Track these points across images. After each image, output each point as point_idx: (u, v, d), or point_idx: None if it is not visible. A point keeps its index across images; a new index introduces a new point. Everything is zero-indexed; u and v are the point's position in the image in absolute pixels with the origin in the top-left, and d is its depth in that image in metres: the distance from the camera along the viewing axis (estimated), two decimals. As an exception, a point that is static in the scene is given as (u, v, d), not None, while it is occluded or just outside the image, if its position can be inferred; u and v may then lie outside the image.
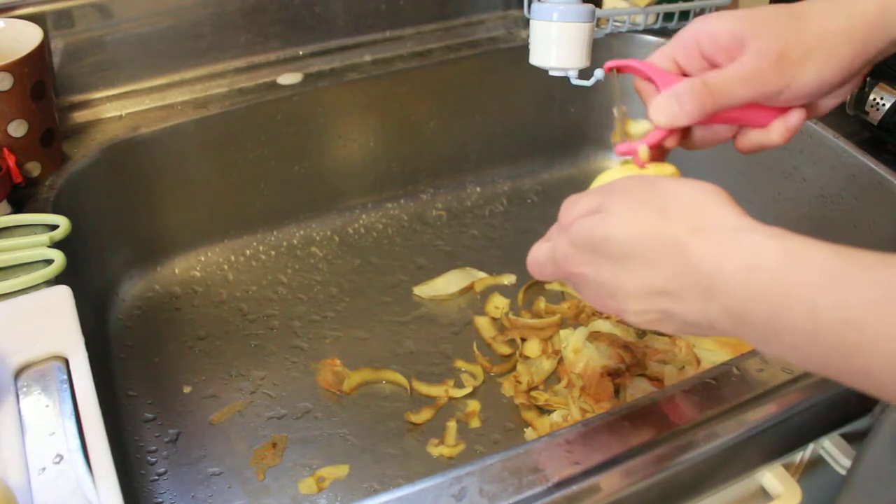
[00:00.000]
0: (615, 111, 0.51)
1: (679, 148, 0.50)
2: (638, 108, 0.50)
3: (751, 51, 0.44)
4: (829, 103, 0.48)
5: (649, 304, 0.39)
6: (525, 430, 0.69)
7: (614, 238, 0.40)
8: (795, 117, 0.47)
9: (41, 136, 0.70)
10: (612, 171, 0.48)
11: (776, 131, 0.47)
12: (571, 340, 0.72)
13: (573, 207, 0.44)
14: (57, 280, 0.59)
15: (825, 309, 0.33)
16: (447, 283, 0.84)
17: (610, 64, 0.51)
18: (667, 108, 0.45)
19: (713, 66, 0.46)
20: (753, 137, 0.48)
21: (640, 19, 0.92)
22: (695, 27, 0.47)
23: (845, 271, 0.33)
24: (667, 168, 0.48)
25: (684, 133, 0.50)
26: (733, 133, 0.49)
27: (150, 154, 0.80)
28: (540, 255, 0.46)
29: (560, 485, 0.46)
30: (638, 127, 0.50)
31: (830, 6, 0.44)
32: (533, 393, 0.71)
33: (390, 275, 0.86)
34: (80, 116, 0.80)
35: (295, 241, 0.90)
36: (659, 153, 0.49)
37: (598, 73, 0.66)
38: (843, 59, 0.44)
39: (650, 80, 0.48)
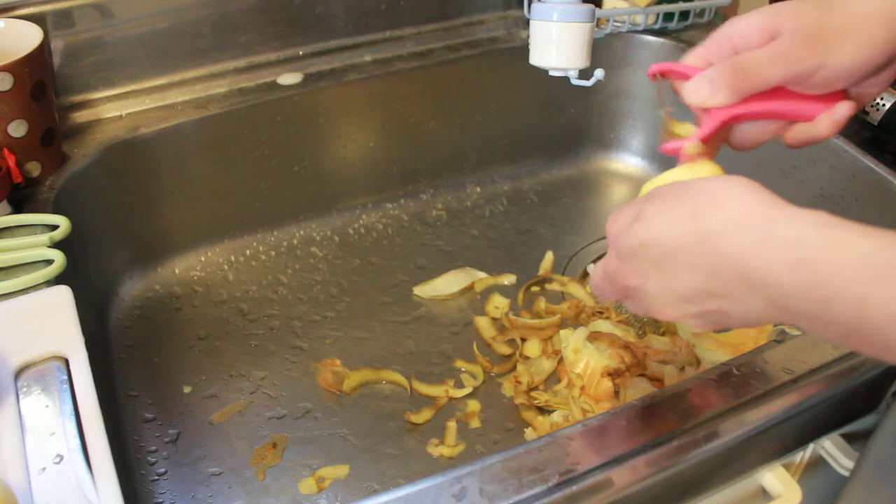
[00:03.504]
0: (661, 113, 0.51)
1: (725, 147, 0.51)
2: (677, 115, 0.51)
3: (783, 35, 0.44)
4: (869, 91, 0.48)
5: (703, 305, 0.40)
6: (525, 430, 0.69)
7: (651, 243, 0.40)
8: (842, 109, 0.46)
9: (41, 136, 0.70)
10: (658, 178, 0.49)
11: (823, 124, 0.47)
12: (571, 340, 0.72)
13: (616, 221, 0.44)
14: (57, 280, 0.59)
15: (875, 303, 0.33)
16: (447, 283, 0.84)
17: (654, 69, 0.51)
18: (698, 88, 0.46)
19: None
20: (800, 131, 0.48)
21: (640, 19, 0.92)
22: (727, 28, 0.47)
23: (893, 261, 0.33)
24: (714, 168, 0.48)
25: (728, 130, 0.50)
26: (780, 130, 0.49)
27: (150, 154, 0.80)
28: (597, 277, 0.46)
29: (560, 485, 0.46)
30: (683, 129, 0.50)
31: None
32: (533, 393, 0.71)
33: (390, 275, 0.86)
34: (80, 116, 0.80)
35: (295, 241, 0.90)
36: (707, 151, 0.49)
37: (598, 73, 0.66)
38: (878, 42, 0.43)
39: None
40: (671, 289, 0.41)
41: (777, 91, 0.46)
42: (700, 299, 0.40)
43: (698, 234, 0.38)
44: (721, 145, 0.51)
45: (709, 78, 0.45)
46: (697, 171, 0.48)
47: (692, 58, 0.49)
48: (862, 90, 0.48)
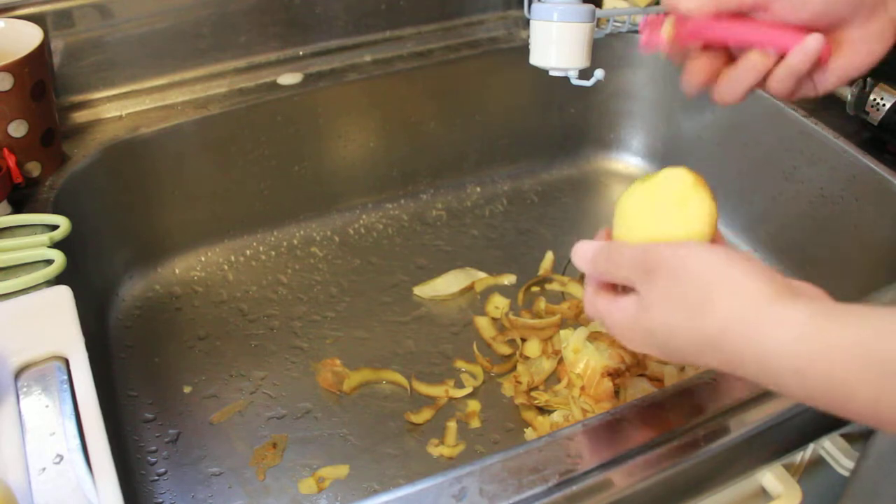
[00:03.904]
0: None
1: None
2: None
3: None
4: (863, 47, 0.47)
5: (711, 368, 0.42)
6: (525, 430, 0.69)
7: (657, 328, 0.42)
8: (812, 41, 0.46)
9: (41, 136, 0.70)
10: (633, 192, 0.48)
11: (795, 56, 0.47)
12: (571, 340, 0.72)
13: (617, 270, 0.45)
14: (57, 280, 0.59)
15: (889, 400, 0.34)
16: (447, 283, 0.84)
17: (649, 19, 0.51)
18: None
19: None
20: (779, 72, 0.48)
21: (640, 20, 0.92)
22: None
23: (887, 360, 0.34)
24: (683, 175, 0.48)
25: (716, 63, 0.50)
26: (761, 71, 0.48)
27: (150, 154, 0.80)
28: (603, 321, 0.48)
29: (560, 485, 0.46)
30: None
31: None
32: (533, 393, 0.71)
33: (390, 275, 0.86)
34: (80, 116, 0.80)
35: (295, 241, 0.90)
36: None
37: (598, 73, 0.66)
38: None
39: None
40: (681, 360, 0.43)
41: (750, 22, 0.47)
42: (707, 367, 0.42)
43: (702, 338, 0.40)
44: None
45: None
46: (671, 183, 0.47)
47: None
48: (850, 41, 0.47)
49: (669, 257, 0.42)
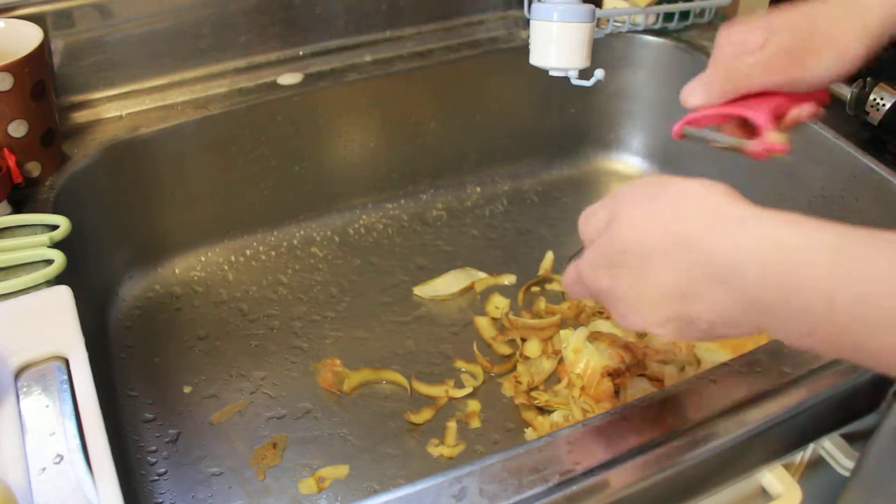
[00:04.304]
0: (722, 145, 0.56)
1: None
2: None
3: (770, 45, 0.50)
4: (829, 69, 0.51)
5: (670, 310, 0.40)
6: (525, 430, 0.69)
7: (630, 242, 0.41)
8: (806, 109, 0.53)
9: (41, 136, 0.70)
10: None
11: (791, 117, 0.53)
12: (571, 340, 0.72)
13: (589, 222, 0.46)
14: (57, 280, 0.59)
15: (843, 300, 0.34)
16: (447, 283, 0.84)
17: (676, 130, 0.54)
18: (694, 91, 0.52)
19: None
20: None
21: (640, 20, 0.92)
22: (722, 42, 0.51)
23: (857, 251, 0.34)
24: None
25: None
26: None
27: (150, 154, 0.80)
28: (570, 276, 0.48)
29: (560, 485, 0.46)
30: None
31: (844, 11, 0.49)
32: (533, 393, 0.71)
33: (390, 275, 0.86)
34: (80, 116, 0.80)
35: (295, 241, 0.90)
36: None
37: (598, 73, 0.66)
38: (853, 57, 0.49)
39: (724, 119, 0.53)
40: (640, 293, 0.41)
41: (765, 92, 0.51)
42: (669, 304, 0.40)
43: (677, 236, 0.40)
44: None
45: (704, 83, 0.52)
46: None
47: (696, 96, 0.53)
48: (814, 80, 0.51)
49: (650, 180, 0.43)
